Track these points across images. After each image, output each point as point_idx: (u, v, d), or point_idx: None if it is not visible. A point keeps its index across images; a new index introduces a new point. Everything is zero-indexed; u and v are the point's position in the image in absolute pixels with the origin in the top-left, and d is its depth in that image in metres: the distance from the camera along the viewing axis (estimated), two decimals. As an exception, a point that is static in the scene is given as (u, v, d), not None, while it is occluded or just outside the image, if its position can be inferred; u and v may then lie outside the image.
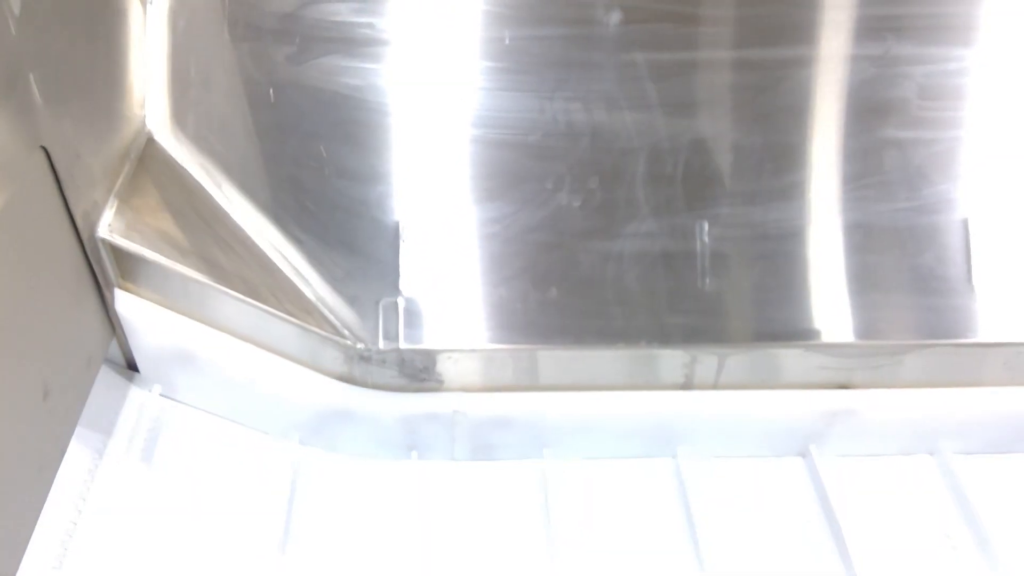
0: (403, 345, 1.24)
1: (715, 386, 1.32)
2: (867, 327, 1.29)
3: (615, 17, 1.31)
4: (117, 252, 1.14)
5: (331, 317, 1.24)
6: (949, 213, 1.32)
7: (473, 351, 1.26)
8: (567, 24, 1.31)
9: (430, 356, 1.26)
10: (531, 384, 1.30)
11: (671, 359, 1.29)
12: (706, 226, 1.30)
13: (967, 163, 1.34)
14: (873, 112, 1.34)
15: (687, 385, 1.32)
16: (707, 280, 1.29)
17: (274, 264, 1.24)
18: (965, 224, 1.32)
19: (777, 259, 1.30)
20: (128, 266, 1.17)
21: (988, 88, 1.35)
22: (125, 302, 1.18)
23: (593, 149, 1.32)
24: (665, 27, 1.32)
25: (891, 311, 1.30)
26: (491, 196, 1.30)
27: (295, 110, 1.28)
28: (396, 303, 1.25)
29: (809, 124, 1.34)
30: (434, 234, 1.29)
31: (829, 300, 1.29)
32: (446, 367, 1.28)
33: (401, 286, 1.26)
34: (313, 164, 1.28)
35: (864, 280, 1.30)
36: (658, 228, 1.30)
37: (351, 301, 1.25)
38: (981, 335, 1.30)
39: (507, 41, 1.31)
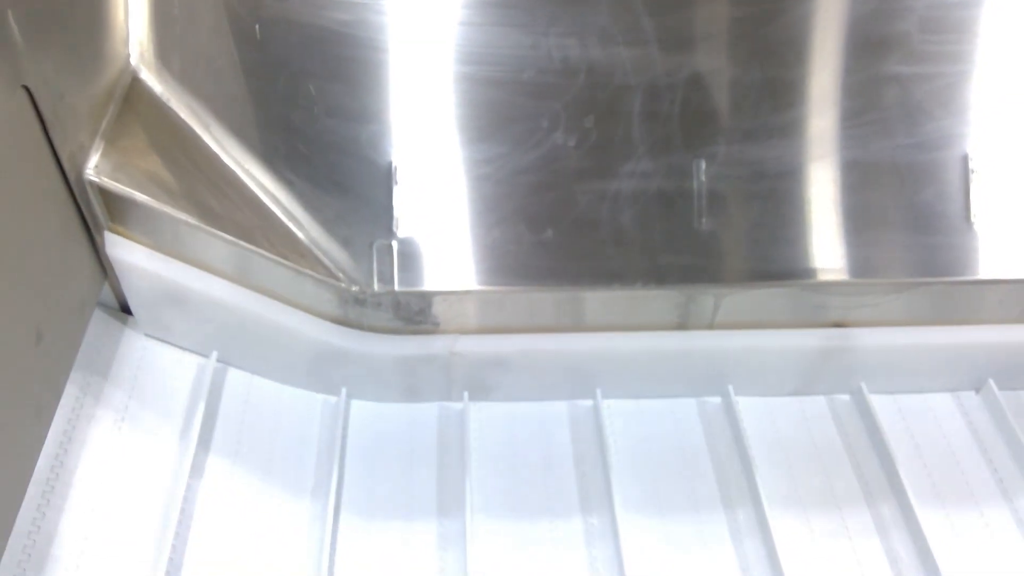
0: (398, 287, 1.24)
1: (711, 326, 1.32)
2: (864, 265, 1.28)
3: (611, -51, 1.27)
4: (106, 194, 1.13)
5: (325, 260, 1.22)
6: (949, 149, 1.31)
7: (468, 293, 1.26)
8: (562, -44, 1.27)
9: (425, 298, 1.26)
10: (527, 326, 1.30)
11: (667, 299, 1.28)
12: (703, 165, 1.28)
13: (968, 98, 1.32)
14: (873, 46, 1.31)
15: (682, 325, 1.32)
16: (703, 220, 1.28)
17: (265, 206, 1.22)
18: (965, 160, 1.31)
19: (774, 198, 1.29)
20: (117, 209, 1.15)
21: (990, 21, 1.32)
22: (116, 245, 1.17)
23: (588, 86, 1.29)
24: (662, -41, 1.28)
25: (889, 249, 1.29)
26: (484, 136, 1.28)
27: (282, 47, 1.25)
28: (390, 245, 1.24)
29: (808, 59, 1.31)
30: (427, 174, 1.27)
31: (826, 239, 1.28)
32: (442, 309, 1.28)
33: (395, 228, 1.25)
34: (302, 103, 1.25)
35: (862, 218, 1.29)
36: (654, 167, 1.28)
37: (344, 243, 1.24)
38: (978, 273, 1.29)
39: (500, -26, 1.27)
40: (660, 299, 1.29)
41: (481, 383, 1.34)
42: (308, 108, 1.26)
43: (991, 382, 1.39)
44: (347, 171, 1.26)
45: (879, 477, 1.29)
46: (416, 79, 1.28)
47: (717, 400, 1.39)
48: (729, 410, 1.36)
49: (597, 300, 1.28)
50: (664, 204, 1.28)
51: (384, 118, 1.28)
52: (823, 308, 1.32)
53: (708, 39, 1.31)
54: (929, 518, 1.21)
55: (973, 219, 1.30)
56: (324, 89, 1.26)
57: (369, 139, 1.27)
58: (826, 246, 1.28)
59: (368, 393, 1.35)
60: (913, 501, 1.22)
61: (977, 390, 1.42)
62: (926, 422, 1.38)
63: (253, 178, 1.23)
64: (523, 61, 1.29)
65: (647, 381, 1.37)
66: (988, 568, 1.19)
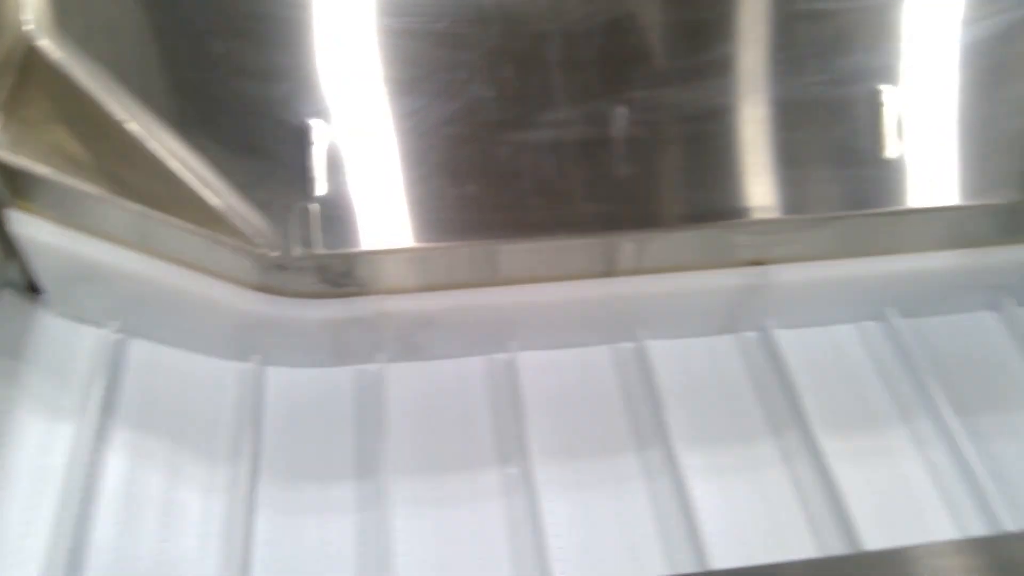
0: (319, 251, 1.21)
1: (636, 271, 1.32)
2: (785, 203, 1.29)
3: None
4: (6, 169, 1.09)
5: (241, 226, 1.19)
6: (862, 83, 1.31)
7: (392, 252, 1.24)
8: (473, -103, 1.24)
9: (348, 260, 1.24)
10: (454, 282, 1.29)
11: (590, 248, 1.28)
12: (624, 111, 1.27)
13: (881, 31, 1.32)
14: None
15: (609, 272, 1.32)
16: (625, 166, 1.27)
17: (176, 173, 1.18)
18: (878, 94, 1.31)
19: (696, 140, 1.28)
20: (20, 184, 1.12)
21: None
22: (20, 222, 1.13)
23: (505, 35, 1.26)
24: None
25: (808, 186, 1.29)
26: (402, 89, 1.25)
27: (184, 6, 1.20)
28: (308, 208, 1.22)
29: (724, -3, 1.30)
30: (344, 132, 1.24)
31: (747, 178, 1.28)
32: (366, 270, 1.26)
33: (313, 189, 1.22)
34: (208, 64, 1.21)
35: (782, 156, 1.29)
36: (575, 116, 1.27)
37: (261, 207, 1.20)
38: (894, 203, 1.31)
39: (408, -81, 1.24)
40: (584, 247, 1.28)
41: (411, 342, 1.33)
42: (215, 69, 1.21)
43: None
44: (260, 133, 1.22)
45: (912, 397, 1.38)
46: (326, 32, 1.24)
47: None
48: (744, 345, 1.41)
49: (520, 252, 1.28)
50: (585, 152, 1.26)
51: (296, 75, 1.24)
52: (743, 247, 1.33)
53: (624, -20, 1.29)
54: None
55: (887, 151, 1.31)
56: (231, 48, 1.22)
57: (281, 98, 1.23)
58: (747, 186, 1.28)
59: (294, 359, 1.33)
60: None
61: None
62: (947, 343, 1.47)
63: (162, 145, 1.19)
64: (437, 10, 1.25)
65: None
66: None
